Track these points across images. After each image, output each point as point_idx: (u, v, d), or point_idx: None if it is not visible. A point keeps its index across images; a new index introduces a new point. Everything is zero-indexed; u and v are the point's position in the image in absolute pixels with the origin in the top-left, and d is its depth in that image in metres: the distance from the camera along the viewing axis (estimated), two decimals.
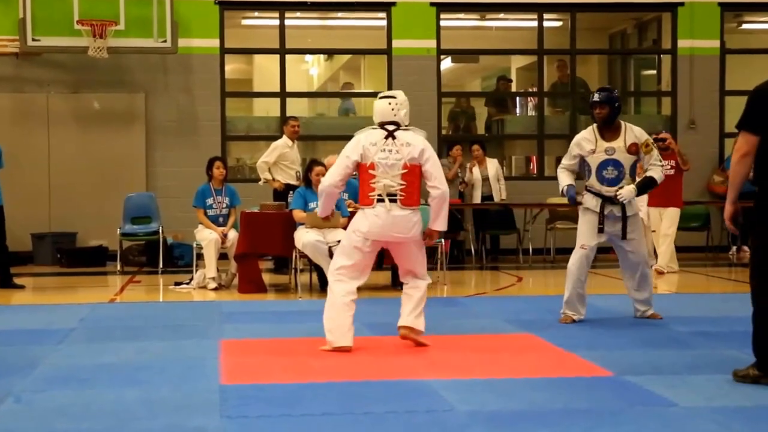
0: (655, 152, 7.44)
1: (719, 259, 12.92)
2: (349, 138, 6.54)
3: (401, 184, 6.28)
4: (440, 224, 6.37)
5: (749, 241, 5.36)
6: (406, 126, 6.44)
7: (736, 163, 5.25)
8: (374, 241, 6.32)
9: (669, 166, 10.91)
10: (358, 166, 6.38)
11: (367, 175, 6.32)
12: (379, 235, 6.28)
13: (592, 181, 7.40)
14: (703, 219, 13.27)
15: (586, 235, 7.42)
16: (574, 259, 7.43)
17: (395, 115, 6.40)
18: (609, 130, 7.37)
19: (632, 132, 7.39)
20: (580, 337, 6.84)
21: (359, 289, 6.43)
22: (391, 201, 6.26)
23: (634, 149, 7.33)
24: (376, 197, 6.28)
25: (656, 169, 7.39)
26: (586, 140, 7.41)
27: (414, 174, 6.30)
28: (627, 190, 7.30)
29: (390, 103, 6.42)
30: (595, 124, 7.46)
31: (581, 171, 7.55)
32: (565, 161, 7.58)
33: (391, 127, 6.38)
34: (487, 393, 5.14)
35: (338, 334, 6.31)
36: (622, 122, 7.45)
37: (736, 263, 12.40)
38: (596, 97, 7.39)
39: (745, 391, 5.11)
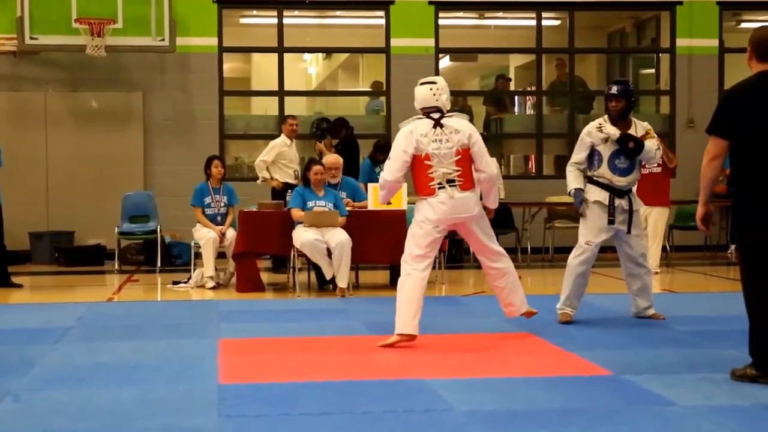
0: (655, 140, 7.38)
1: (717, 258, 12.92)
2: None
3: (457, 170, 6.47)
4: (492, 202, 6.75)
5: (735, 241, 5.44)
6: (448, 111, 6.59)
7: (705, 166, 5.40)
8: (444, 226, 6.56)
9: (656, 165, 10.92)
10: (413, 159, 6.51)
11: (423, 165, 6.49)
12: (447, 218, 6.51)
13: (603, 171, 7.27)
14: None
15: (592, 231, 7.30)
16: (579, 257, 7.32)
17: (437, 101, 6.54)
18: (622, 123, 7.31)
19: (641, 125, 7.39)
20: (579, 336, 6.83)
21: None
22: (451, 186, 6.46)
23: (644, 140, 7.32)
24: (437, 185, 6.47)
25: (650, 142, 7.27)
26: (598, 130, 7.32)
27: (466, 158, 6.52)
28: (614, 129, 7.23)
29: (431, 89, 6.54)
30: (605, 116, 7.38)
31: (588, 163, 7.40)
32: (575, 156, 7.41)
33: (436, 115, 6.52)
34: (485, 392, 5.14)
35: (406, 320, 6.44)
36: (631, 117, 7.42)
37: (735, 262, 12.38)
38: (614, 89, 7.30)
39: (743, 390, 5.11)
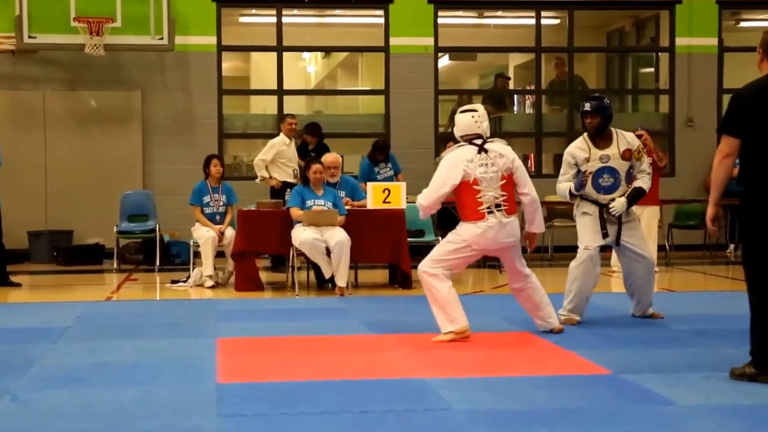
0: (645, 160, 7.39)
1: (717, 257, 12.90)
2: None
3: (503, 195, 6.58)
4: (537, 227, 6.81)
5: (740, 241, 5.42)
6: (489, 137, 6.70)
7: (717, 164, 5.37)
8: (483, 250, 6.72)
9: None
10: (460, 184, 6.58)
11: (472, 190, 6.56)
12: (494, 244, 6.62)
13: (588, 191, 7.30)
14: (700, 217, 13.16)
15: (588, 235, 7.31)
16: (580, 263, 7.28)
17: (479, 128, 6.65)
18: (601, 138, 7.29)
19: (624, 138, 7.33)
20: (579, 335, 6.82)
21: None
22: (498, 211, 6.56)
23: (627, 155, 7.27)
24: (486, 210, 6.54)
25: (644, 178, 7.33)
26: (579, 149, 7.33)
27: (510, 183, 6.62)
28: (619, 203, 7.23)
29: (473, 117, 6.67)
30: (585, 134, 7.37)
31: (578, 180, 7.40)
32: (563, 177, 7.42)
33: (479, 141, 6.62)
34: (485, 392, 5.13)
35: (459, 315, 6.59)
36: (613, 129, 7.37)
37: (734, 261, 12.38)
38: (587, 106, 7.29)
39: (743, 390, 5.10)
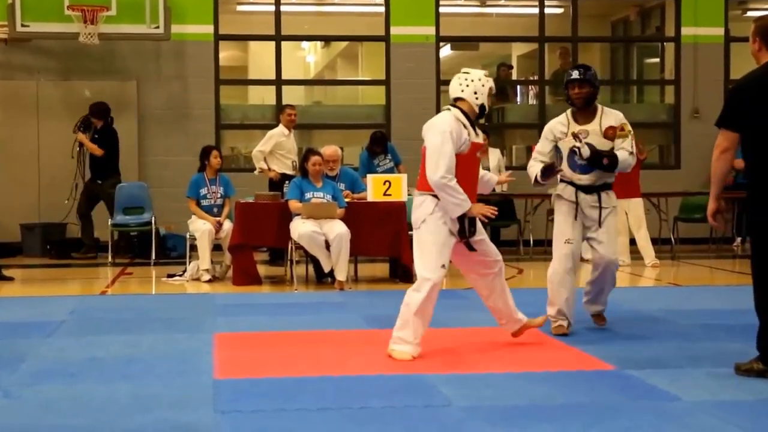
0: (629, 139, 6.58)
1: (723, 251, 12.82)
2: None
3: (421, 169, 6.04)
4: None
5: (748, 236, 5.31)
6: (482, 106, 6.07)
7: (716, 159, 5.31)
8: None
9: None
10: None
11: None
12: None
13: (564, 168, 6.66)
14: (705, 210, 13.09)
15: (566, 227, 6.63)
16: (559, 262, 6.58)
17: (462, 92, 6.01)
18: (585, 113, 6.64)
19: (610, 115, 6.62)
20: (581, 330, 6.74)
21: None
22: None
23: (611, 133, 6.54)
24: None
25: (623, 153, 6.52)
26: (559, 123, 6.72)
27: (425, 158, 5.96)
28: (585, 149, 6.47)
29: (458, 80, 6.05)
30: (570, 109, 6.73)
31: (555, 160, 6.77)
32: (538, 147, 6.82)
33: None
34: (485, 388, 5.08)
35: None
36: (599, 105, 6.73)
37: (740, 255, 12.28)
38: (574, 74, 6.57)
39: (747, 385, 5.07)
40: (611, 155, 6.50)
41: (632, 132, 6.67)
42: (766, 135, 5.17)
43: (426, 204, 5.89)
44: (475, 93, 5.97)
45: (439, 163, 5.78)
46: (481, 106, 6.03)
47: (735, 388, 5.03)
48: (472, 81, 5.99)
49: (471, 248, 5.96)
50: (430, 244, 5.82)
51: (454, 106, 6.03)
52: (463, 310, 7.84)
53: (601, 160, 6.49)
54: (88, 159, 12.21)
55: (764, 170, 5.19)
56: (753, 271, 5.29)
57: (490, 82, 6.06)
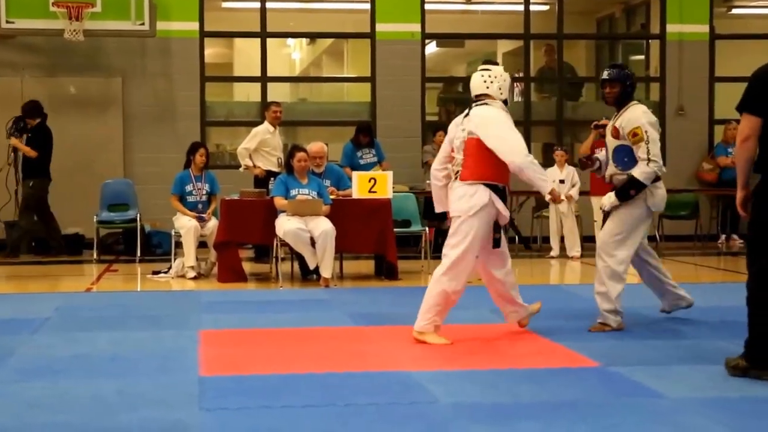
0: (643, 145, 6.53)
1: (708, 248, 12.84)
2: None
3: (464, 159, 6.20)
4: (539, 188, 6.25)
5: (748, 231, 5.18)
6: (504, 99, 6.36)
7: (739, 147, 5.12)
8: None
9: None
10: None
11: (450, 157, 6.37)
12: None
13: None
14: (691, 207, 13.17)
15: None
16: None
17: (488, 88, 6.27)
18: (619, 110, 6.75)
19: (626, 115, 6.63)
20: (566, 327, 6.75)
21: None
22: (456, 176, 6.24)
23: (614, 133, 6.68)
24: (454, 174, 6.25)
25: (640, 165, 6.53)
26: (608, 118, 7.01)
27: (473, 148, 6.14)
28: (606, 199, 6.70)
29: (482, 76, 6.33)
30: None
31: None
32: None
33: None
34: (471, 385, 5.08)
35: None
36: (634, 103, 6.73)
37: (726, 252, 12.32)
38: (605, 74, 6.75)
39: (732, 383, 5.07)
40: (627, 183, 6.57)
41: (648, 134, 6.55)
42: None
43: (480, 194, 6.11)
44: (500, 88, 6.27)
45: (515, 147, 6.05)
46: (504, 101, 6.31)
47: (720, 386, 5.02)
48: (497, 77, 6.26)
49: (498, 244, 6.25)
50: (475, 234, 6.08)
51: (479, 100, 6.27)
52: None
53: (625, 195, 6.60)
54: (21, 159, 11.89)
55: None
56: (749, 267, 5.11)
57: (509, 77, 6.36)
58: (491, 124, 6.12)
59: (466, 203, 6.11)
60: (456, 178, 6.22)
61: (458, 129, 6.28)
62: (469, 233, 6.09)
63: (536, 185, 6.09)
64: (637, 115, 6.61)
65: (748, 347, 5.16)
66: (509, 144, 6.05)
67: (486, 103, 6.24)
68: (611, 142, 6.76)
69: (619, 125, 6.67)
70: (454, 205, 6.20)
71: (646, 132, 6.54)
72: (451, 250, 6.15)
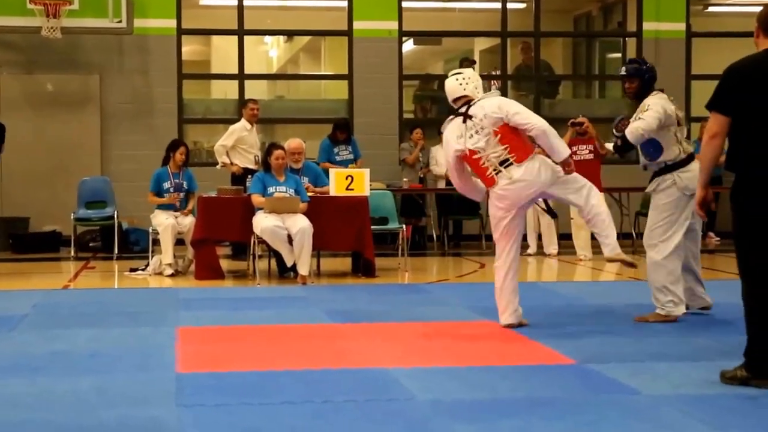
0: (645, 112, 6.77)
1: None
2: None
3: (504, 148, 6.35)
4: (558, 155, 6.42)
5: (734, 235, 5.03)
6: (481, 96, 6.54)
7: (705, 145, 5.03)
8: (520, 207, 6.48)
9: (587, 151, 11.01)
10: (464, 158, 6.50)
11: (473, 160, 6.48)
12: (519, 201, 6.43)
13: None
14: None
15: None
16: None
17: (464, 90, 6.54)
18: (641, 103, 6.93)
19: (647, 101, 6.82)
20: (543, 324, 6.77)
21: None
22: (506, 167, 6.34)
23: (623, 126, 6.94)
24: (494, 173, 6.39)
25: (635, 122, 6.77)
26: None
27: (508, 133, 6.37)
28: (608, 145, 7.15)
29: (458, 80, 6.59)
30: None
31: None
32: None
33: (464, 109, 6.48)
34: (449, 381, 5.08)
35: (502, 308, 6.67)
36: (656, 93, 6.88)
37: (703, 250, 12.36)
38: (622, 70, 6.96)
39: (708, 379, 5.06)
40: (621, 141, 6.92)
41: (651, 107, 6.77)
42: (758, 122, 4.84)
43: (541, 159, 6.49)
44: (476, 88, 6.52)
45: (535, 116, 6.44)
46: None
47: (696, 383, 5.02)
48: (470, 77, 6.53)
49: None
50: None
51: (454, 106, 6.53)
52: (426, 304, 7.88)
53: (616, 143, 6.99)
54: None
55: (754, 164, 4.84)
56: (742, 273, 4.96)
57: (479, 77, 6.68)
58: (506, 105, 6.44)
59: (546, 171, 6.38)
60: (508, 165, 6.34)
61: (467, 133, 6.40)
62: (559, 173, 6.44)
63: (557, 150, 6.35)
64: (653, 100, 6.85)
65: (747, 354, 4.95)
66: (529, 114, 6.41)
67: (483, 98, 6.47)
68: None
69: (624, 117, 6.99)
70: (537, 181, 6.35)
71: (650, 106, 6.78)
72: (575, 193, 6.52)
